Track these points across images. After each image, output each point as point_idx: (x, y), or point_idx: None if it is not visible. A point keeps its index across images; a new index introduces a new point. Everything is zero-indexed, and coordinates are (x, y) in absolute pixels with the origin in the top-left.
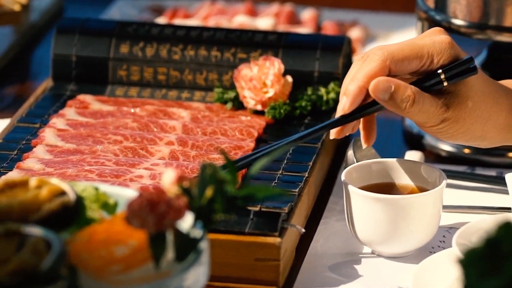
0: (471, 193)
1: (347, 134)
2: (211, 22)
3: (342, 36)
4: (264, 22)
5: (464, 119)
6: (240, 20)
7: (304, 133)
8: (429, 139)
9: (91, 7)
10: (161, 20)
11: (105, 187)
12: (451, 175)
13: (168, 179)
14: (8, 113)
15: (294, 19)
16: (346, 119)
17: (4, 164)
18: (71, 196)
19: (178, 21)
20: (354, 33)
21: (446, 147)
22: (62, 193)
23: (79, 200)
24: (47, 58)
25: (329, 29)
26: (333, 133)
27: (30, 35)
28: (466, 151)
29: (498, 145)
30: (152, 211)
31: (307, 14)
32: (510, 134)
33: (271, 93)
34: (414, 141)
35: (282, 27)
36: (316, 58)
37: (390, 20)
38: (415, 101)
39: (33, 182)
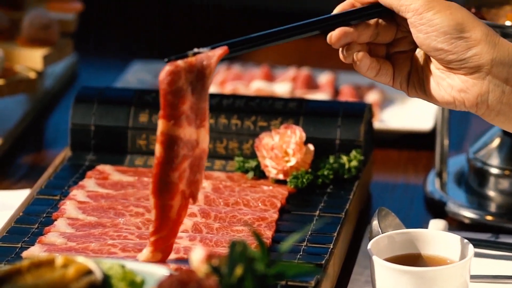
0: (496, 261)
1: (345, 42)
2: (228, 88)
3: (363, 103)
4: (282, 87)
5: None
6: (257, 85)
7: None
8: (451, 206)
9: (105, 72)
10: None
11: (131, 264)
12: (475, 243)
13: (197, 257)
14: (25, 183)
15: (311, 83)
16: (336, 18)
17: (26, 239)
18: (98, 275)
19: None
20: (371, 97)
21: (469, 214)
22: (89, 272)
23: (106, 279)
24: (63, 125)
25: (346, 93)
26: (332, 35)
27: (44, 101)
28: (489, 218)
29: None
30: None
31: (324, 77)
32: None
33: (293, 162)
34: (437, 208)
35: (300, 92)
36: (337, 126)
37: None
38: None
39: (59, 260)
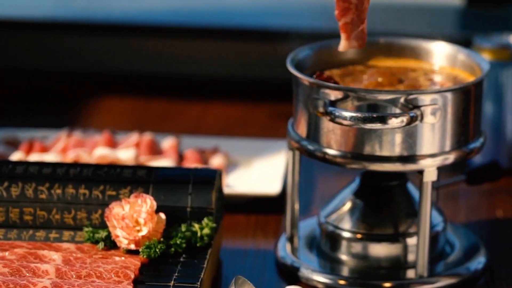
0: None
1: None
2: (70, 155)
3: (213, 170)
4: (125, 153)
5: None
6: (100, 152)
7: None
8: (304, 272)
9: None
10: (17, 154)
11: None
12: None
13: None
14: None
15: (155, 149)
16: None
17: None
18: None
19: (35, 155)
20: (216, 161)
21: (322, 279)
22: None
23: None
24: None
25: (190, 157)
26: None
27: None
28: (342, 282)
29: None
30: None
31: (168, 142)
32: None
33: (144, 231)
34: (290, 273)
35: (144, 158)
36: (188, 193)
37: (250, 145)
38: None
39: None
